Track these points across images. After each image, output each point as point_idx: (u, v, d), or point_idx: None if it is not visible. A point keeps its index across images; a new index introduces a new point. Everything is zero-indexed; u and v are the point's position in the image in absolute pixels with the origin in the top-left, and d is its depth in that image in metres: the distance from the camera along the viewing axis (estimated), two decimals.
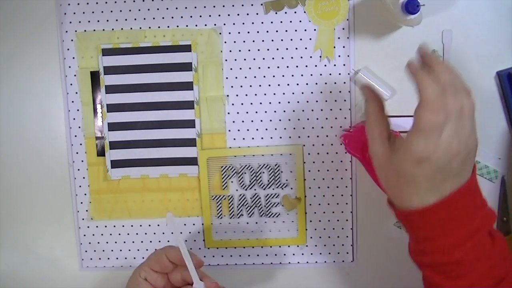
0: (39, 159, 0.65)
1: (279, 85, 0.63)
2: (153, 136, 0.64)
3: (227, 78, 0.63)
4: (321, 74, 0.62)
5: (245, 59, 0.63)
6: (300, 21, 0.62)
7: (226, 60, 0.63)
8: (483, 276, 0.42)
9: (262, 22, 0.62)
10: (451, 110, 0.41)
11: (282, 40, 0.62)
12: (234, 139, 0.64)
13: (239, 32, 0.62)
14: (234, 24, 0.62)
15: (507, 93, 0.60)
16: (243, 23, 0.62)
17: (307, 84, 0.62)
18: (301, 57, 0.62)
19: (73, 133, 0.65)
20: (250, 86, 0.63)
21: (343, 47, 0.62)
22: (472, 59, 0.60)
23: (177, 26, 0.63)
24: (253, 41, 0.62)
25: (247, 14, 0.62)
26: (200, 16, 0.63)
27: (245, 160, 0.64)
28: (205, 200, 0.64)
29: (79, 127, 0.65)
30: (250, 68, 0.63)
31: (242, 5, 0.62)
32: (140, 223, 0.66)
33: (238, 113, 0.64)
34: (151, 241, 0.66)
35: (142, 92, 0.63)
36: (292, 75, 0.62)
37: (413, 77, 0.42)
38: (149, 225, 0.66)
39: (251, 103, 0.63)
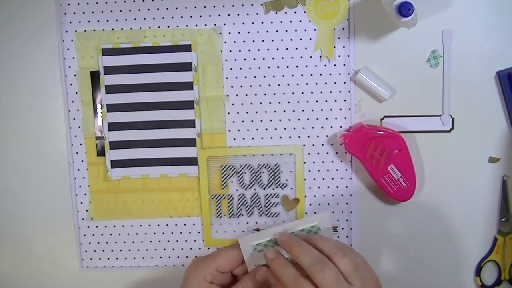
0: (39, 159, 0.65)
1: (279, 85, 0.63)
2: (153, 136, 0.64)
3: (227, 78, 0.63)
4: (321, 74, 0.62)
5: (245, 59, 0.63)
6: (300, 21, 0.62)
7: (226, 60, 0.63)
8: None
9: (262, 22, 0.62)
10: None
11: (282, 40, 0.62)
12: (234, 139, 0.64)
13: (239, 32, 0.62)
14: (234, 24, 0.62)
15: (507, 93, 0.60)
16: (243, 23, 0.62)
17: (307, 84, 0.62)
18: (301, 57, 0.62)
19: (73, 133, 0.65)
20: (250, 86, 0.63)
21: (343, 47, 0.62)
22: (472, 59, 0.60)
23: (177, 26, 0.63)
24: (253, 41, 0.62)
25: (247, 14, 0.62)
26: (200, 16, 0.63)
27: (245, 160, 0.64)
28: (205, 200, 0.64)
29: (79, 127, 0.65)
30: (250, 68, 0.63)
31: (242, 5, 0.62)
32: (140, 223, 0.66)
33: (238, 113, 0.64)
34: (151, 241, 0.66)
35: (142, 92, 0.63)
36: (292, 75, 0.62)
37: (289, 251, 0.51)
38: (149, 225, 0.66)
39: (251, 103, 0.63)
